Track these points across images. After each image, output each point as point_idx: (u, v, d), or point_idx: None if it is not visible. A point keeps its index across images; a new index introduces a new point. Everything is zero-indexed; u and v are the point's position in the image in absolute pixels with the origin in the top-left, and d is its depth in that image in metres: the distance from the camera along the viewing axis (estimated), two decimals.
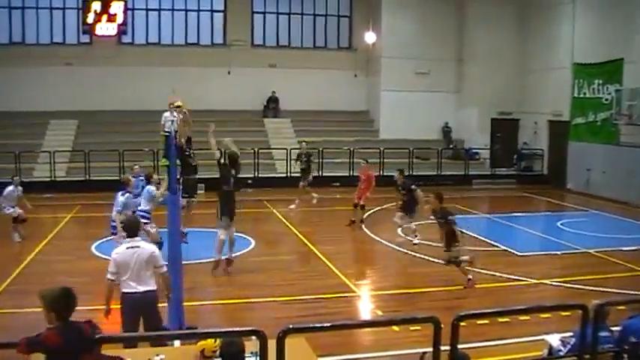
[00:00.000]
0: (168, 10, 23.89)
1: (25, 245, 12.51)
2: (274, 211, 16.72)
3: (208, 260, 11.31)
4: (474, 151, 23.69)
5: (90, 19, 22.14)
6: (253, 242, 12.94)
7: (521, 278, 10.50)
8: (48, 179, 19.61)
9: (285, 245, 13.88)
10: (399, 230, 13.17)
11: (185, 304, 7.04)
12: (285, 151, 21.09)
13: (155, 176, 11.64)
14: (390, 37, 23.78)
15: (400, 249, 12.38)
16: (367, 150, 22.10)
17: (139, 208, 11.05)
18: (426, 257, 11.71)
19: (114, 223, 10.34)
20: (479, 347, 6.87)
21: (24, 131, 21.13)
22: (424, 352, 4.48)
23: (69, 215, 16.03)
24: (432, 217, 10.85)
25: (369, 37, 24.54)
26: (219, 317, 8.93)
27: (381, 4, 23.83)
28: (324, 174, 21.11)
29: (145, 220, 11.02)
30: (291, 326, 3.58)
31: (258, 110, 24.41)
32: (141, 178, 12.44)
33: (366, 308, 9.50)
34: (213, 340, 4.88)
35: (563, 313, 7.05)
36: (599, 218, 16.60)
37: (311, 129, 23.52)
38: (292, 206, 16.49)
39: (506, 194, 21.09)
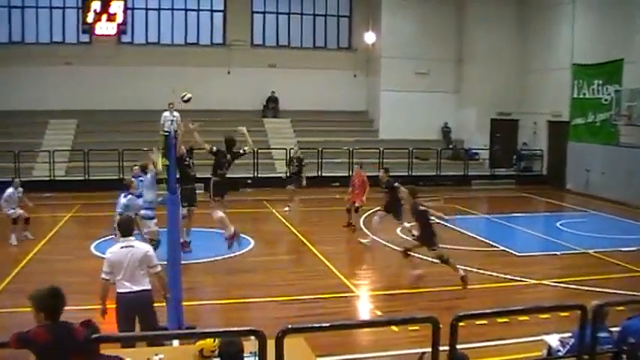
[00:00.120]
0: (168, 9, 23.88)
1: (24, 244, 12.49)
2: (274, 211, 16.72)
3: (208, 260, 11.34)
4: (474, 151, 23.69)
5: (90, 18, 22.11)
6: (252, 242, 12.92)
7: (520, 279, 10.50)
8: (47, 178, 19.61)
9: (284, 245, 13.89)
10: (398, 230, 13.17)
11: (184, 303, 7.04)
12: (284, 151, 21.09)
13: (150, 166, 11.68)
14: (389, 37, 23.78)
15: (399, 249, 12.35)
16: (367, 150, 22.17)
17: (143, 199, 11.15)
18: (425, 258, 11.68)
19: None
20: (478, 347, 6.86)
21: (23, 130, 21.11)
22: (423, 353, 4.47)
23: (68, 215, 16.02)
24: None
25: (369, 37, 24.54)
26: (218, 317, 8.92)
27: (381, 4, 23.83)
28: (323, 174, 21.15)
29: (149, 212, 11.06)
30: (290, 326, 3.58)
31: (258, 110, 24.41)
32: (140, 178, 12.46)
33: (365, 308, 9.50)
34: (212, 340, 4.88)
35: (562, 314, 7.05)
36: (599, 219, 16.60)
37: (310, 129, 23.56)
38: (286, 209, 16.50)
39: (505, 194, 21.10)
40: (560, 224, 15.59)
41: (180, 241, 9.38)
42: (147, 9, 23.68)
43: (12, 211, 12.77)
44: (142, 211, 11.16)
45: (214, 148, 10.94)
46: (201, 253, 11.48)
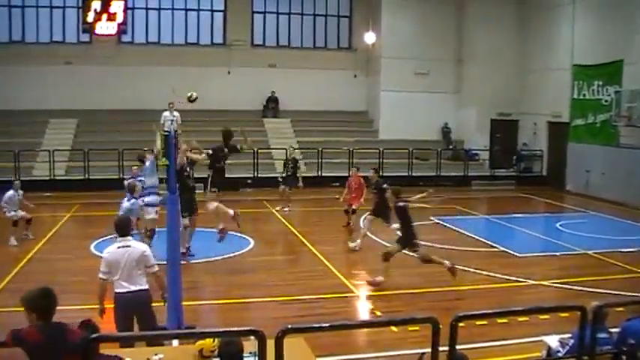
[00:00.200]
0: (168, 9, 23.87)
1: (24, 244, 12.49)
2: (273, 211, 16.71)
3: (207, 260, 11.34)
4: (474, 151, 23.69)
5: (90, 18, 22.10)
6: (252, 242, 12.94)
7: (519, 279, 10.50)
8: (47, 178, 19.61)
9: (284, 245, 13.90)
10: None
11: (184, 303, 7.04)
12: (284, 151, 21.05)
13: (147, 155, 11.75)
14: (389, 38, 23.78)
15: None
16: (367, 150, 22.17)
17: (146, 184, 11.24)
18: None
19: None
20: (477, 348, 6.85)
21: (23, 130, 21.10)
22: (423, 353, 4.47)
23: (68, 214, 16.03)
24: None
25: (369, 38, 24.53)
26: (217, 317, 8.92)
27: (381, 4, 23.83)
28: (323, 174, 21.14)
29: (153, 199, 11.09)
30: (289, 326, 3.58)
31: (258, 110, 24.41)
32: (139, 178, 12.50)
33: (364, 308, 9.49)
34: (211, 340, 4.88)
35: (562, 315, 7.04)
36: (598, 220, 16.60)
37: (310, 129, 23.56)
38: (286, 209, 16.50)
39: (505, 195, 21.10)
40: (560, 225, 15.59)
41: (182, 250, 9.41)
42: (147, 9, 23.67)
43: (12, 213, 12.74)
44: (146, 198, 11.18)
45: (209, 151, 10.99)
46: (201, 253, 11.48)
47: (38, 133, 21.34)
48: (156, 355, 4.95)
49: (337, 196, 14.72)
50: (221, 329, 5.15)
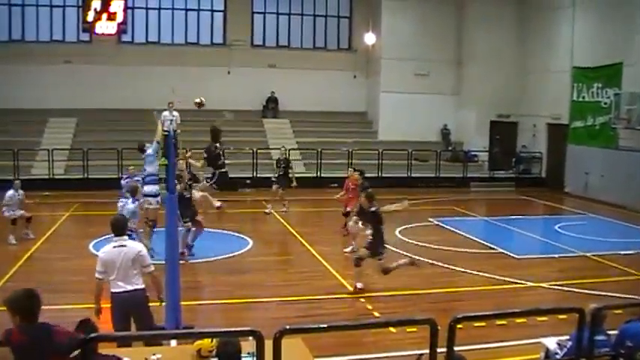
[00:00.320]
0: (168, 9, 23.87)
1: (23, 243, 12.47)
2: (273, 211, 16.69)
3: (206, 260, 11.34)
4: (473, 153, 23.70)
5: (90, 17, 22.07)
6: (251, 242, 12.94)
7: (518, 281, 10.51)
8: (46, 177, 19.60)
9: (283, 246, 13.89)
10: (397, 232, 13.17)
11: (182, 303, 7.04)
12: (278, 151, 21.06)
13: (147, 144, 11.78)
14: (389, 38, 23.79)
15: (396, 250, 12.36)
16: (366, 151, 22.17)
17: (146, 173, 11.26)
18: (423, 259, 11.69)
19: None
20: (476, 350, 6.86)
21: (23, 129, 21.08)
22: (421, 354, 4.47)
23: (67, 213, 16.01)
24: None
25: (369, 38, 24.54)
26: (216, 317, 8.92)
27: (381, 4, 23.84)
28: (322, 175, 21.13)
29: (153, 188, 11.08)
30: (288, 327, 3.58)
31: (258, 110, 24.41)
32: (136, 178, 12.50)
33: (363, 309, 9.48)
34: (209, 340, 4.88)
35: (560, 317, 7.03)
36: (597, 222, 16.61)
37: (310, 130, 23.55)
38: (283, 209, 16.46)
39: (504, 197, 21.09)
40: (559, 227, 15.59)
41: (180, 250, 9.40)
42: (147, 8, 23.66)
43: (11, 212, 12.73)
44: (146, 188, 11.16)
45: (204, 155, 11.17)
46: (200, 253, 11.48)
47: (37, 132, 21.32)
48: (154, 355, 4.95)
49: (337, 197, 14.68)
50: (219, 329, 5.15)
